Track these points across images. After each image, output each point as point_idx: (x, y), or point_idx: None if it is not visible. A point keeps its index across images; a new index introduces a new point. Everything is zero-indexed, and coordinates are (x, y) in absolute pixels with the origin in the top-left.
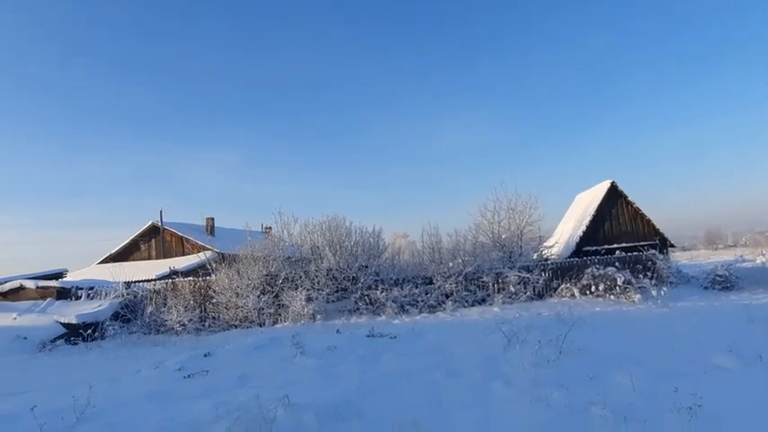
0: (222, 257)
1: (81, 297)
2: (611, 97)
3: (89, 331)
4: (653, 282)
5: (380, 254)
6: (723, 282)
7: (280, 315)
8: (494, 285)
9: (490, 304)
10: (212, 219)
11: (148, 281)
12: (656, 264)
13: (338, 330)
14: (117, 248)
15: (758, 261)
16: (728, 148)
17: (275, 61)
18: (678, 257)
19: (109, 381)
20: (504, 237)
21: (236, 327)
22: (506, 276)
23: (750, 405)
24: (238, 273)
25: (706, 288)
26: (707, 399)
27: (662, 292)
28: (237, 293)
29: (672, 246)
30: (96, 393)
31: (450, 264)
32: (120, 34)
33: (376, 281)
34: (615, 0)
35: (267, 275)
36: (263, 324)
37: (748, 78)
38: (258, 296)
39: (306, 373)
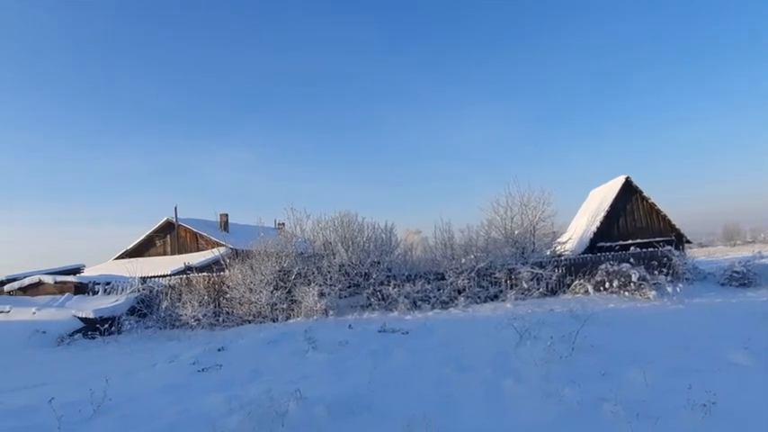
0: (236, 253)
1: (98, 292)
2: (627, 92)
3: (106, 326)
4: (668, 278)
5: (393, 250)
6: (740, 278)
7: (292, 310)
8: (506, 281)
9: (503, 300)
10: (226, 215)
11: (163, 276)
12: (671, 260)
13: (350, 325)
14: (133, 244)
15: None
16: (748, 143)
17: (291, 58)
18: (695, 254)
19: (125, 374)
20: (516, 232)
21: (249, 322)
22: (519, 272)
23: (765, 402)
24: (252, 268)
25: (723, 285)
26: (721, 396)
27: (677, 289)
28: (251, 289)
29: (688, 242)
30: (113, 386)
31: (463, 260)
32: (138, 31)
33: (388, 276)
34: None
35: (280, 271)
36: (276, 319)
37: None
38: (271, 291)
39: (318, 367)
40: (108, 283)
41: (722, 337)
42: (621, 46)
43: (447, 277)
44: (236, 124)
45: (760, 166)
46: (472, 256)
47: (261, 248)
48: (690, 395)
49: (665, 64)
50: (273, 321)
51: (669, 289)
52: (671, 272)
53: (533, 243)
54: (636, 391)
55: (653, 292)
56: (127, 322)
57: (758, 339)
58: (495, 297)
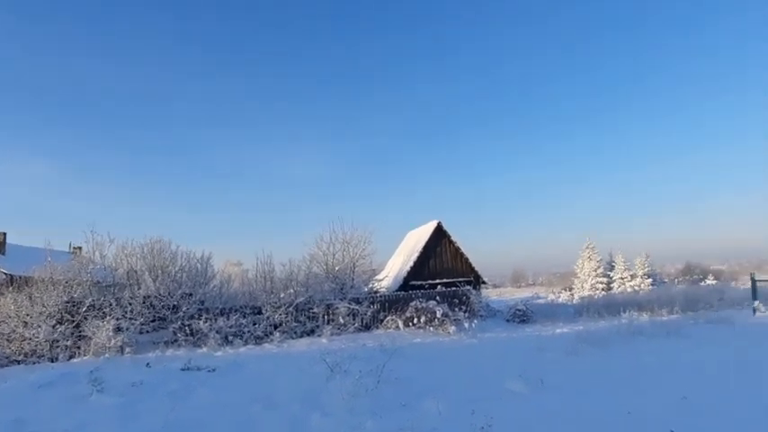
0: (11, 279)
1: None
2: (443, 141)
3: None
4: (466, 315)
5: (208, 281)
6: (521, 316)
7: (79, 348)
8: (324, 316)
9: (319, 335)
10: (3, 234)
11: None
12: (470, 299)
13: (148, 364)
14: None
15: (549, 298)
16: (537, 195)
17: (105, 70)
18: (489, 293)
19: None
20: (337, 269)
21: (18, 362)
22: (337, 308)
23: (531, 423)
24: (30, 298)
25: (508, 321)
26: (497, 419)
27: (473, 325)
28: (26, 323)
29: (484, 282)
30: None
31: (282, 294)
32: None
33: (200, 310)
34: (459, 55)
35: (68, 302)
36: (56, 358)
37: (548, 135)
38: (53, 326)
39: (101, 413)
40: None
41: (504, 367)
42: (445, 101)
43: (264, 311)
44: (32, 136)
45: (546, 217)
46: (292, 291)
47: (46, 275)
48: (472, 420)
49: (480, 119)
50: (52, 361)
51: (466, 325)
52: (469, 309)
53: (353, 279)
54: (430, 419)
55: (453, 328)
56: None
57: (531, 368)
58: (311, 332)
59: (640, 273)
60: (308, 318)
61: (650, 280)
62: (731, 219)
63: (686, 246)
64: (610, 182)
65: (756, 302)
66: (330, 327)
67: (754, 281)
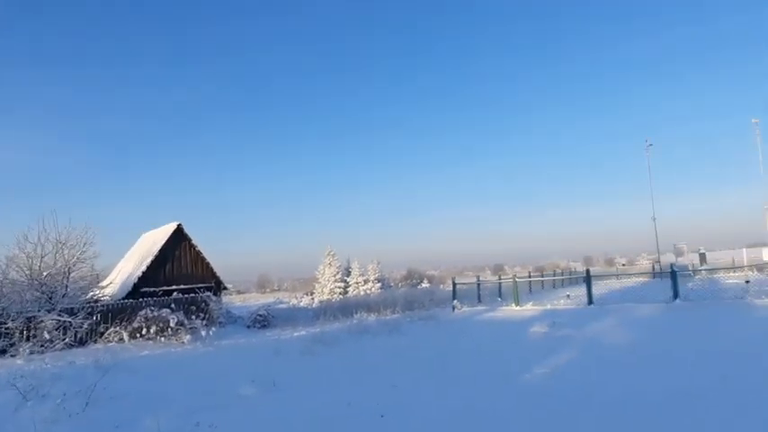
0: None
1: None
2: (184, 144)
3: None
4: (204, 322)
5: None
6: (262, 321)
7: None
8: (23, 332)
9: (13, 355)
10: None
11: None
12: (209, 305)
13: None
14: None
15: (292, 302)
16: (284, 204)
17: None
18: (233, 299)
19: None
20: (45, 274)
21: None
22: (41, 321)
23: (256, 425)
24: None
25: (249, 327)
26: (222, 427)
27: (210, 332)
28: None
29: (225, 288)
30: None
31: None
32: None
33: None
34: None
35: None
36: None
37: (290, 147)
38: None
39: None
40: None
41: (238, 373)
42: (191, 99)
43: None
44: None
45: (292, 225)
46: None
47: None
48: None
49: (227, 124)
50: None
51: (203, 333)
52: (207, 316)
53: (66, 287)
54: None
55: (188, 337)
56: None
57: (265, 372)
58: (3, 352)
59: (372, 278)
60: (0, 335)
61: (380, 284)
62: (443, 231)
63: (409, 254)
64: (348, 195)
65: (455, 301)
66: (30, 344)
67: (454, 284)
